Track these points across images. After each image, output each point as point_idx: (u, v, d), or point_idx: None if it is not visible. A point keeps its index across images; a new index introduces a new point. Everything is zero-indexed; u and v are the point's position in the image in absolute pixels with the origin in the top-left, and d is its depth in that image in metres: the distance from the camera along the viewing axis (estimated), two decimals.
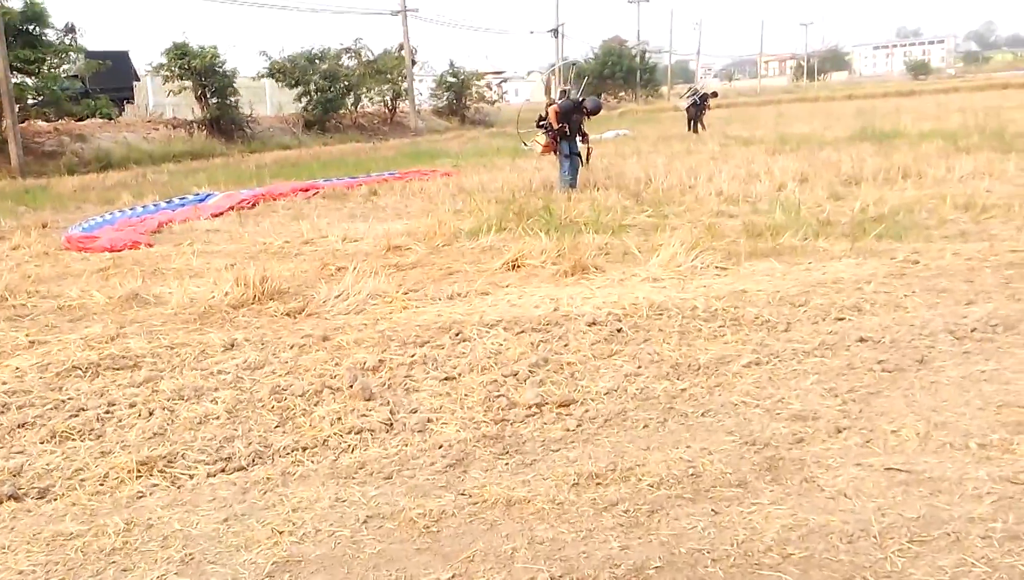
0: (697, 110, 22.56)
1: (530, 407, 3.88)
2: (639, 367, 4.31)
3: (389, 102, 35.54)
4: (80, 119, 22.62)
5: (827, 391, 3.85)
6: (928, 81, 68.86)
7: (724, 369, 4.22)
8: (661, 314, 5.12)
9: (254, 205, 11.83)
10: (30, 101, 20.76)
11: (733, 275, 6.12)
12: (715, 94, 25.28)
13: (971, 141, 14.22)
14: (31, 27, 20.36)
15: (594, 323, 5.00)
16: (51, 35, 21.01)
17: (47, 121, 21.90)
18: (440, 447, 3.53)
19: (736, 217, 8.60)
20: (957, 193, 9.00)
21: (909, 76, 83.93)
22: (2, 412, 4.06)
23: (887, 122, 20.24)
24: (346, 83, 31.84)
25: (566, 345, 4.69)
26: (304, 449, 3.57)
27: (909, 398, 3.73)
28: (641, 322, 4.99)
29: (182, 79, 26.25)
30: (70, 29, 21.58)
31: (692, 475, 3.12)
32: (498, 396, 4.04)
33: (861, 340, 4.51)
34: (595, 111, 11.80)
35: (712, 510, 2.87)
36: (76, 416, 3.98)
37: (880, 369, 4.09)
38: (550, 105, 11.55)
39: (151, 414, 4.00)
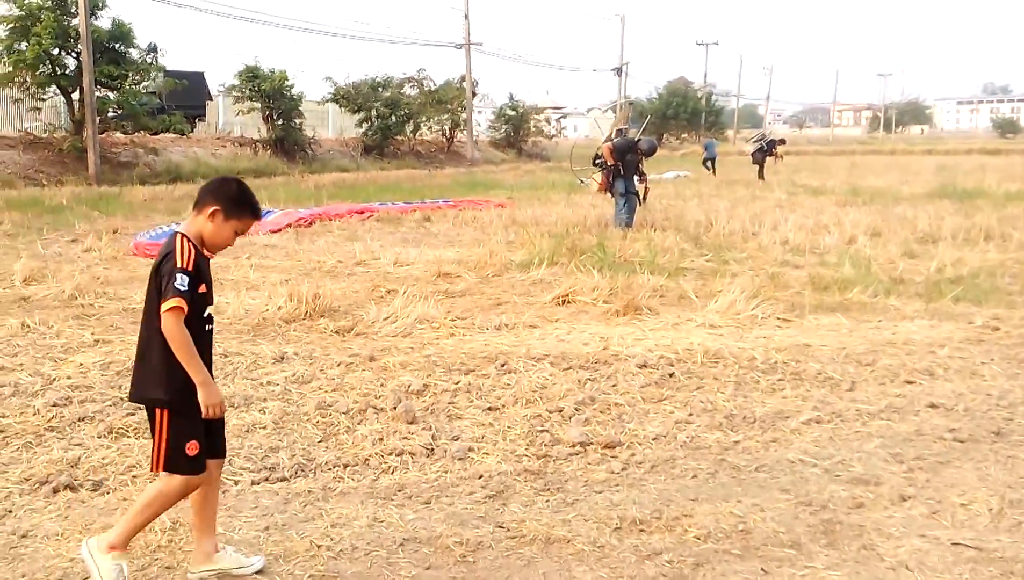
0: (763, 156, 22.33)
1: (574, 446, 3.79)
2: (690, 415, 4.18)
3: (447, 131, 36.02)
4: (155, 133, 23.44)
5: (892, 456, 3.67)
6: (1016, 140, 65.67)
7: (782, 424, 4.07)
8: (717, 362, 4.99)
9: (311, 224, 12.00)
10: (110, 114, 21.56)
11: (796, 327, 5.93)
12: (783, 141, 25.04)
13: None
14: (117, 45, 21.32)
15: (645, 365, 4.88)
16: (134, 53, 21.94)
17: (124, 133, 22.75)
18: (480, 477, 3.45)
19: (802, 268, 8.34)
20: None
21: (995, 133, 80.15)
22: (65, 405, 4.16)
23: (970, 180, 19.38)
24: (407, 111, 32.39)
25: (614, 385, 4.59)
26: (346, 466, 3.54)
27: (982, 471, 3.53)
28: (695, 369, 4.86)
29: (251, 100, 27.11)
30: (152, 49, 22.52)
31: (742, 531, 2.98)
32: (542, 431, 3.95)
33: (932, 406, 4.31)
34: (650, 152, 11.72)
35: (762, 569, 2.73)
36: (132, 414, 4.03)
37: (952, 438, 3.89)
38: (605, 143, 11.52)
39: None
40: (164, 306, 2.37)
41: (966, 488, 3.35)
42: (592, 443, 3.80)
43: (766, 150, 22.46)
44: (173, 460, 2.45)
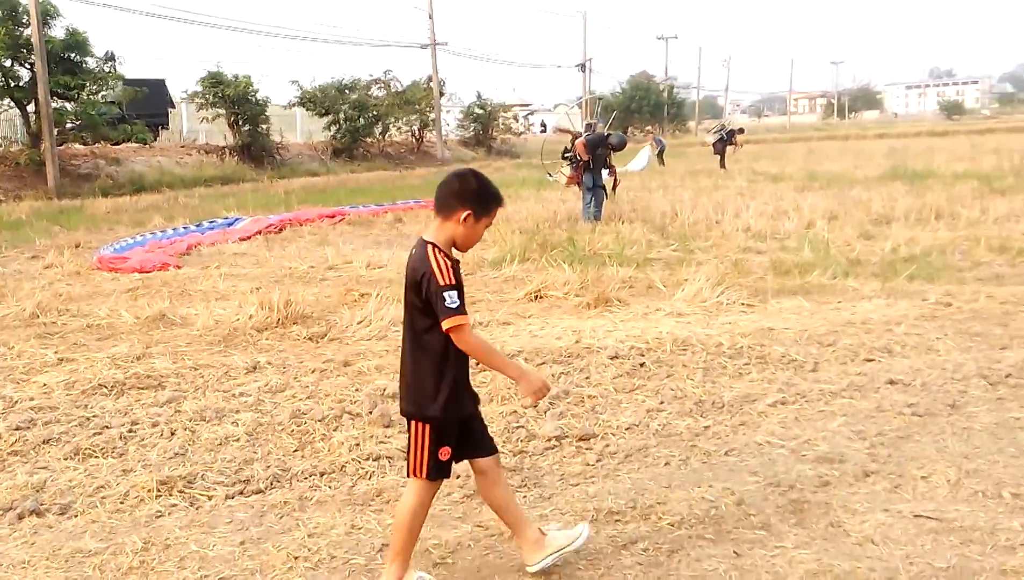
0: (724, 146, 22.66)
1: (549, 440, 3.84)
2: (662, 403, 4.26)
3: (416, 132, 35.94)
4: (116, 143, 23.12)
5: (855, 434, 3.77)
6: (962, 121, 67.84)
7: (749, 408, 4.16)
8: (685, 350, 5.07)
9: (281, 230, 11.94)
10: (68, 125, 21.20)
11: (760, 312, 6.06)
12: (741, 130, 25.45)
13: (1006, 183, 14.07)
14: (72, 55, 20.92)
15: (616, 357, 4.95)
16: (91, 63, 21.54)
17: (84, 144, 22.39)
18: (458, 477, 3.48)
19: (764, 254, 8.53)
20: (992, 235, 8.87)
21: (943, 116, 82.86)
22: (28, 427, 4.10)
23: (920, 162, 20.06)
24: (375, 113, 32.26)
25: (587, 378, 4.65)
26: (322, 474, 3.55)
27: (940, 444, 3.64)
28: (664, 357, 4.94)
29: (216, 107, 26.79)
30: (110, 57, 22.10)
31: (714, 516, 3.05)
32: (518, 427, 4.00)
33: (891, 382, 4.43)
34: (620, 147, 11.86)
35: (734, 552, 2.81)
36: (100, 434, 4.01)
37: (910, 413, 4.00)
38: (576, 138, 11.61)
39: (173, 434, 4.02)
40: (445, 326, 2.42)
41: (925, 461, 3.46)
42: (567, 436, 3.86)
43: (726, 140, 22.79)
44: (431, 467, 2.54)
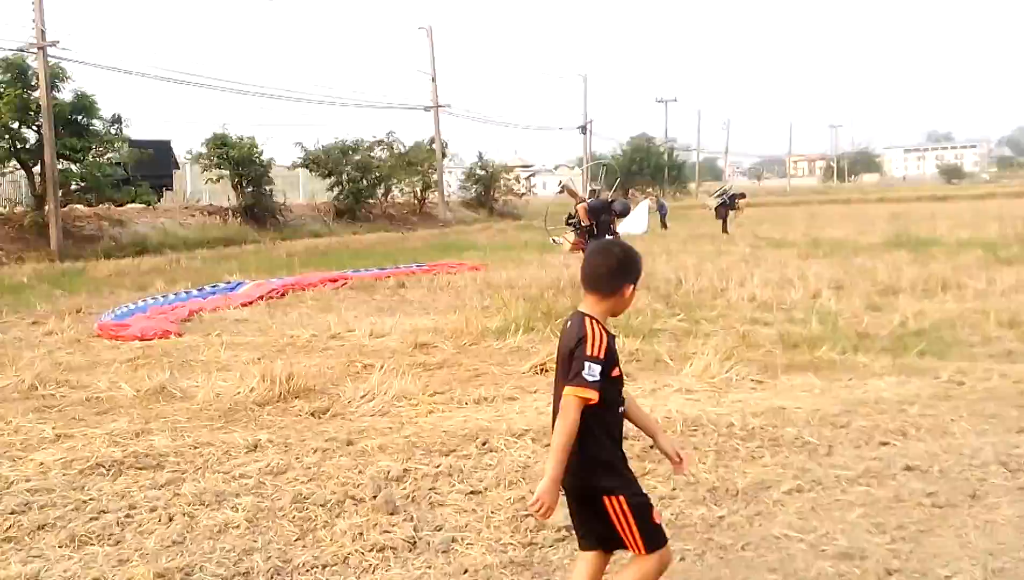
0: (726, 210, 22.82)
1: (560, 530, 3.72)
2: (674, 489, 4.14)
3: (419, 193, 36.32)
4: (120, 204, 23.26)
5: (875, 527, 3.65)
6: (962, 186, 68.68)
7: (764, 495, 4.04)
8: (696, 430, 4.97)
9: (283, 295, 11.92)
10: (73, 187, 21.39)
11: (770, 389, 5.96)
12: (743, 195, 25.71)
13: (1012, 252, 14.01)
14: (80, 117, 21.27)
15: (625, 437, 4.82)
16: (98, 125, 21.92)
17: (88, 206, 22.55)
18: (465, 571, 3.37)
19: (771, 325, 8.43)
20: (1001, 308, 8.75)
21: (942, 180, 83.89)
22: (24, 511, 3.99)
23: (923, 228, 20.12)
24: (377, 174, 32.68)
25: None
26: (324, 566, 3.43)
27: (963, 539, 3.52)
28: (675, 438, 4.83)
29: (220, 168, 27.13)
30: (117, 120, 22.51)
31: None
32: (526, 516, 3.87)
33: (908, 468, 4.31)
34: (623, 213, 11.96)
35: None
36: (96, 519, 3.89)
37: (930, 503, 3.89)
38: (579, 204, 11.68)
39: (171, 519, 3.90)
40: (568, 389, 2.37)
41: (949, 559, 3.33)
42: None
43: (728, 204, 22.96)
44: (652, 537, 2.46)
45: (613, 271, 2.55)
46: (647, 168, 58.71)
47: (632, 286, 2.55)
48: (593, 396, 2.36)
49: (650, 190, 55.20)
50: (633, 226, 24.82)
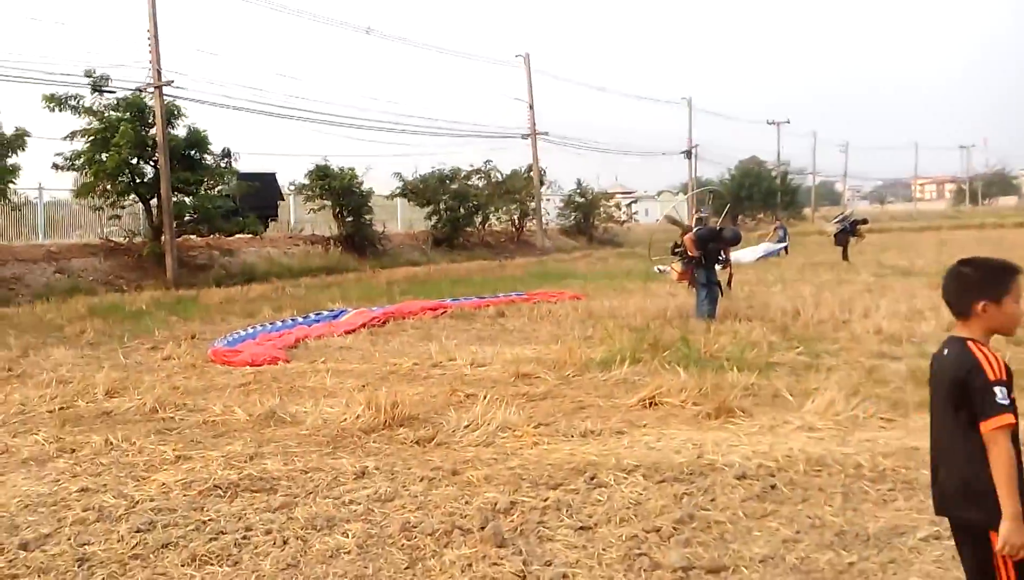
0: (847, 236, 21.87)
1: (676, 571, 3.57)
2: (798, 532, 3.92)
3: (516, 221, 36.43)
4: (230, 234, 24.28)
5: None
6: None
7: (898, 542, 3.77)
8: (820, 470, 4.70)
9: (384, 323, 12.11)
10: (186, 218, 22.40)
11: (901, 428, 5.57)
12: (865, 221, 24.46)
13: None
14: (192, 152, 22.31)
15: (744, 476, 4.63)
16: (209, 159, 22.88)
17: (200, 236, 23.59)
18: None
19: (900, 360, 7.93)
20: None
21: None
22: (149, 530, 4.13)
23: None
24: (475, 202, 32.89)
25: (713, 500, 4.35)
26: None
27: None
28: (798, 478, 4.59)
29: (322, 198, 27.87)
30: (226, 154, 23.43)
31: None
32: (640, 555, 3.74)
33: None
34: (734, 241, 11.50)
35: None
36: (216, 539, 3.99)
37: None
38: (685, 233, 11.37)
39: (285, 543, 3.96)
40: (987, 424, 2.30)
41: None
42: (694, 568, 3.57)
43: (849, 230, 21.98)
44: None
45: (958, 291, 2.49)
46: (757, 193, 55.91)
47: (985, 303, 2.41)
48: (1011, 419, 2.27)
49: (761, 217, 52.52)
50: (742, 253, 24.03)
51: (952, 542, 3.74)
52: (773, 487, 4.48)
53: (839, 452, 5.00)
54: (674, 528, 3.98)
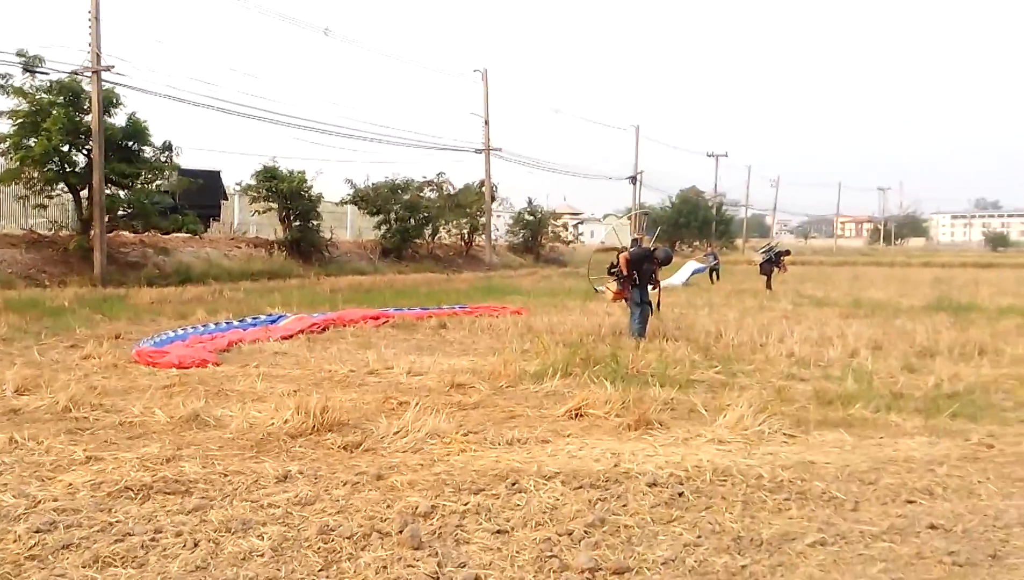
0: (771, 267, 22.79)
1: (583, 572, 3.68)
2: (699, 537, 4.09)
3: (466, 235, 36.46)
4: (166, 232, 23.17)
5: None
6: (1008, 254, 68.44)
7: (788, 547, 3.98)
8: (725, 480, 4.92)
9: (324, 330, 12.04)
10: (120, 212, 21.23)
11: (801, 444, 5.91)
12: (788, 252, 25.65)
13: None
14: (131, 143, 21.03)
15: (655, 484, 4.81)
16: (149, 152, 21.63)
17: (134, 232, 22.40)
18: None
19: (807, 381, 8.41)
20: None
21: (988, 247, 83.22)
22: (49, 531, 4.03)
23: (964, 293, 20.22)
24: (426, 214, 32.76)
25: (624, 505, 4.51)
26: None
27: None
28: (704, 487, 4.80)
29: (268, 200, 27.20)
30: (168, 147, 22.15)
31: None
32: (551, 556, 3.85)
33: (932, 527, 4.27)
34: (666, 261, 11.84)
35: None
36: (121, 541, 3.92)
37: (951, 562, 3.84)
38: (621, 253, 11.64)
39: (196, 545, 3.93)
40: None
41: None
42: (601, 569, 3.69)
43: (773, 260, 22.90)
44: None
45: None
46: (695, 222, 58.25)
47: None
48: None
49: (697, 244, 54.53)
50: (675, 277, 24.74)
51: (835, 547, 4.01)
52: (681, 494, 4.66)
53: (743, 463, 5.25)
54: (585, 531, 4.10)
